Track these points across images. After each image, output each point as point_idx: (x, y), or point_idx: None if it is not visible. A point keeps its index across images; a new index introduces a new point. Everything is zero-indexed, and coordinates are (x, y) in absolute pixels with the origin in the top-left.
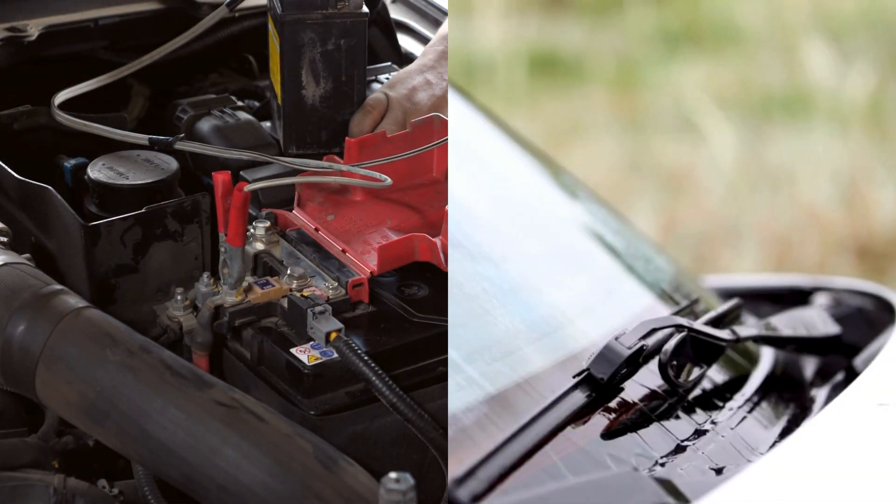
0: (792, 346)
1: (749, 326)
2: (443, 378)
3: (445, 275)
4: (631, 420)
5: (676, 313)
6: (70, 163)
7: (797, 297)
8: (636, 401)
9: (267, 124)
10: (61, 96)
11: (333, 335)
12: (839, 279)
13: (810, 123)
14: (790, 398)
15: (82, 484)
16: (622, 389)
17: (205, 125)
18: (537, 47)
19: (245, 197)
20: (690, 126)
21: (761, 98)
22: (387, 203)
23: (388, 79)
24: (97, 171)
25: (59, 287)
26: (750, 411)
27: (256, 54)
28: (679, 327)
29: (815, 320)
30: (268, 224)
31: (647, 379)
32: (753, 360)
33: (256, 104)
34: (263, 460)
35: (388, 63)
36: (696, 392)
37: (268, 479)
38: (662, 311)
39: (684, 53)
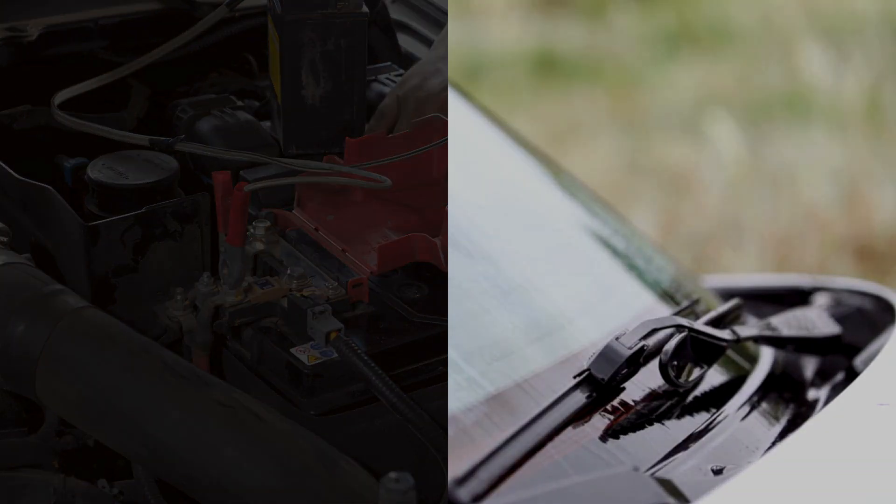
0: (792, 346)
1: (750, 326)
2: (443, 378)
3: (445, 275)
4: (631, 420)
5: (677, 313)
6: (70, 163)
7: (797, 297)
8: (636, 401)
9: (267, 124)
10: (61, 96)
11: (333, 335)
12: (839, 279)
13: (809, 123)
14: (790, 398)
15: (82, 484)
16: (623, 390)
17: (205, 125)
18: (537, 47)
19: (245, 197)
20: (690, 126)
21: (761, 98)
22: (387, 203)
23: (388, 78)
24: (97, 171)
25: (59, 287)
26: (750, 411)
27: (256, 54)
28: (679, 327)
29: (815, 320)
30: (268, 224)
31: (648, 379)
32: (753, 360)
33: (256, 104)
34: (263, 460)
35: (388, 63)
36: (696, 392)
37: (268, 479)
38: (662, 311)
39: (683, 54)
